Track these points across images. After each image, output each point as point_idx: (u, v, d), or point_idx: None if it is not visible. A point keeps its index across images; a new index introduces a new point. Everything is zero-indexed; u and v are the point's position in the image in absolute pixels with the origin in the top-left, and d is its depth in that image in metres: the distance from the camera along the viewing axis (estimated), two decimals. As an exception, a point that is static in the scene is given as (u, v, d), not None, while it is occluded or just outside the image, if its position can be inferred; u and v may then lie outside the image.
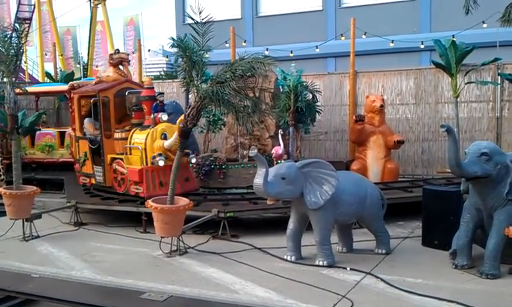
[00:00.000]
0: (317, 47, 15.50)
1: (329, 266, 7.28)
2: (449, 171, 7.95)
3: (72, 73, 19.43)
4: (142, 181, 9.55)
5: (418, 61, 15.61)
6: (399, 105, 13.35)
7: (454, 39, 12.05)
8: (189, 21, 8.02)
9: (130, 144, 10.02)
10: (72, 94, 11.47)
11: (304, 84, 12.05)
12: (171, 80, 17.20)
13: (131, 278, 7.02)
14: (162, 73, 43.09)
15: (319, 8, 18.90)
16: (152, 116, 9.90)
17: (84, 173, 11.10)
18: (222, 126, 12.58)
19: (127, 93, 10.53)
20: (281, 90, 11.87)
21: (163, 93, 10.41)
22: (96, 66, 20.54)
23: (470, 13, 10.02)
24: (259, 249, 8.25)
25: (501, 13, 10.15)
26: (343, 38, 14.75)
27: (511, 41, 10.45)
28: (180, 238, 8.15)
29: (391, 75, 13.22)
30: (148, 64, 34.66)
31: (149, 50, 21.38)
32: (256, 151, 6.87)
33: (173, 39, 9.13)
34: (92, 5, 22.91)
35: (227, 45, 14.82)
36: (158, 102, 10.03)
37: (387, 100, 12.98)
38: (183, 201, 8.08)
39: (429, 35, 15.05)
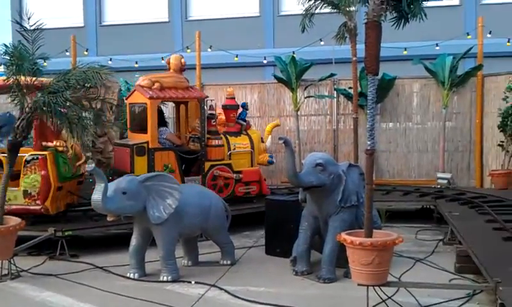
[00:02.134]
0: (162, 58, 15.32)
1: (174, 281, 7.15)
2: None
3: None
4: (257, 181, 10.47)
5: (262, 75, 16.12)
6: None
7: (294, 55, 12.63)
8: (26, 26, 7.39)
9: (229, 150, 10.31)
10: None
11: (149, 95, 11.80)
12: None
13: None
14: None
15: (165, 20, 18.79)
16: (243, 123, 10.75)
17: None
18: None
19: (209, 101, 10.29)
20: (125, 101, 11.51)
21: (246, 103, 11.30)
22: None
23: (307, 31, 10.55)
24: (100, 268, 7.85)
25: (335, 32, 10.81)
26: (188, 51, 14.79)
27: (345, 58, 11.15)
28: (12, 261, 7.48)
29: (236, 88, 13.44)
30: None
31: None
32: (93, 165, 6.54)
33: (5, 46, 8.39)
34: None
35: (67, 53, 14.09)
36: (245, 110, 10.91)
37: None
38: (13, 220, 7.42)
39: (272, 51, 15.64)
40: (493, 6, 16.36)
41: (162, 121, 10.08)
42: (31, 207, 8.55)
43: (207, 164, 9.98)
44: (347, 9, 9.66)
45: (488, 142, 12.29)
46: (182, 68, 10.19)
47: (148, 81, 9.61)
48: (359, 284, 5.59)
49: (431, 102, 12.79)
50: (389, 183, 12.37)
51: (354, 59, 10.38)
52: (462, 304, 6.16)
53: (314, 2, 10.17)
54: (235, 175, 10.16)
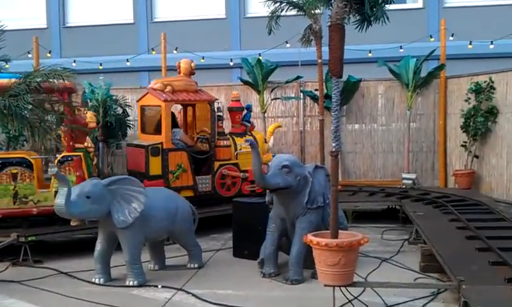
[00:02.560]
0: (127, 60, 15.18)
1: (140, 285, 7.07)
2: None
3: None
4: None
5: (229, 77, 16.06)
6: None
7: (260, 57, 12.65)
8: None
9: (236, 150, 10.59)
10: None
11: (114, 97, 11.67)
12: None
13: None
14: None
15: (130, 21, 18.54)
16: (248, 124, 10.97)
17: (175, 187, 9.64)
18: (24, 142, 11.60)
19: (217, 104, 10.72)
20: (89, 104, 11.37)
21: (251, 105, 11.60)
22: None
23: (273, 33, 10.57)
24: (65, 273, 7.71)
25: (301, 34, 10.86)
26: (154, 53, 14.65)
27: (312, 60, 11.22)
28: (-27, 269, 7.29)
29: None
30: None
31: None
32: (55, 169, 6.43)
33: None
34: None
35: (30, 55, 13.80)
36: (249, 112, 11.11)
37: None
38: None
39: (239, 53, 15.61)
40: (455, 9, 16.67)
41: (174, 123, 10.40)
42: None
43: (216, 164, 10.44)
44: (312, 12, 9.72)
45: (451, 142, 12.54)
46: (191, 72, 10.60)
47: (160, 84, 10.04)
48: (325, 285, 5.61)
49: (395, 103, 12.98)
50: (355, 184, 12.50)
51: (319, 61, 10.47)
52: (427, 303, 6.25)
53: (280, 4, 10.21)
54: (242, 174, 10.53)
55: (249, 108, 11.24)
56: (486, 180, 11.62)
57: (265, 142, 11.19)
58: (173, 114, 10.42)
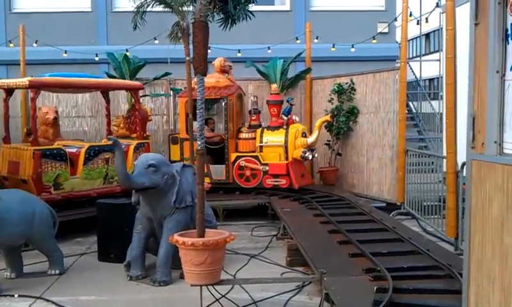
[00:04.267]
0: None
1: (-6, 296, 6.53)
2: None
3: None
4: (287, 174, 10.88)
5: (95, 73, 15.37)
6: (75, 118, 12.98)
7: (128, 53, 12.28)
8: None
9: (261, 142, 11.09)
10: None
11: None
12: None
13: None
14: None
15: (-13, 11, 17.24)
16: (285, 118, 11.10)
17: None
18: None
19: (251, 97, 11.82)
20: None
21: (293, 98, 11.79)
22: None
23: (139, 29, 10.30)
24: None
25: (169, 31, 10.68)
26: (11, 45, 13.68)
27: (181, 58, 11.08)
28: None
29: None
30: None
31: None
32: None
33: None
34: None
35: None
36: (290, 105, 11.26)
37: (63, 113, 12.49)
38: None
39: (106, 48, 15.06)
40: (320, 12, 17.43)
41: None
42: None
43: (233, 155, 11.23)
44: (180, 8, 9.58)
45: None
46: (221, 69, 11.56)
47: (194, 82, 10.41)
48: (192, 285, 5.55)
49: (264, 102, 13.23)
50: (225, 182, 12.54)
51: (187, 59, 10.36)
52: (292, 296, 6.41)
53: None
54: (262, 167, 10.97)
55: (289, 101, 11.44)
56: (349, 177, 12.27)
57: (305, 136, 11.22)
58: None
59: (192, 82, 11.00)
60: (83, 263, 8.12)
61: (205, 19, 4.96)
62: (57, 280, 7.23)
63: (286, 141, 11.06)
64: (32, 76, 9.76)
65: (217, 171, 11.30)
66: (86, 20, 17.04)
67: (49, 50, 14.58)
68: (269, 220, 10.63)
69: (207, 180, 10.64)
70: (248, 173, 11.16)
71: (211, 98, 11.33)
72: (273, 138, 11.17)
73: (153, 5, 9.79)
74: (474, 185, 3.31)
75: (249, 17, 5.51)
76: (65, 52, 13.82)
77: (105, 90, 11.23)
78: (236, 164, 11.21)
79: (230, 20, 5.45)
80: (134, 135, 11.00)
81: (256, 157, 11.15)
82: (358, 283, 5.51)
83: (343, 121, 11.82)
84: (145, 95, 12.50)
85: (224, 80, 11.49)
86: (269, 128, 11.42)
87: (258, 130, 11.35)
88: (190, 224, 7.03)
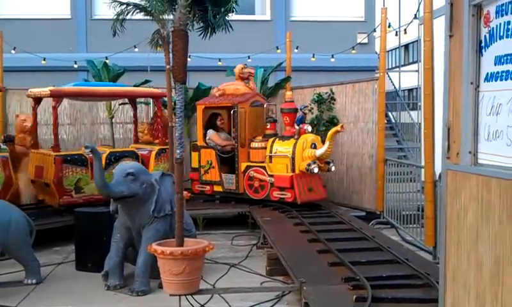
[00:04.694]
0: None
1: (-33, 307, 6.41)
2: None
3: None
4: (291, 187, 10.12)
5: (75, 80, 15.13)
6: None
7: (107, 61, 12.21)
8: None
9: (270, 153, 10.42)
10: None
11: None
12: None
13: None
14: None
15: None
16: (297, 127, 10.43)
17: (206, 181, 11.34)
18: None
19: (265, 105, 11.17)
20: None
21: (307, 106, 11.34)
22: None
23: (118, 36, 10.26)
24: None
25: (149, 39, 10.66)
26: (-11, 52, 13.52)
27: (161, 66, 11.05)
28: None
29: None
30: None
31: None
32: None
33: None
34: None
35: None
36: (303, 113, 10.80)
37: (41, 120, 12.33)
38: None
39: (85, 55, 14.94)
40: (300, 23, 17.53)
41: (211, 124, 11.37)
42: None
43: (243, 165, 10.85)
44: (160, 16, 9.57)
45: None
46: (240, 76, 11.36)
47: (217, 89, 11.51)
48: (171, 295, 5.51)
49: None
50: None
51: (167, 67, 10.33)
52: (272, 306, 6.41)
53: (126, 6, 9.91)
54: (269, 178, 10.48)
55: (302, 109, 11.03)
56: (329, 186, 12.28)
57: (314, 147, 10.31)
58: (214, 116, 11.43)
59: (217, 88, 11.38)
60: (60, 272, 8.02)
61: (184, 28, 4.95)
62: (34, 290, 7.13)
63: (293, 152, 10.23)
64: (54, 85, 10.23)
65: (229, 181, 11.05)
66: (65, 27, 16.90)
67: (27, 57, 14.43)
68: (249, 230, 10.62)
69: (217, 188, 11.19)
70: (256, 183, 10.67)
71: (221, 105, 11.26)
72: (282, 148, 10.43)
73: (133, 12, 9.76)
74: (449, 195, 3.35)
75: (228, 29, 5.52)
76: (44, 59, 13.67)
77: (131, 98, 11.43)
78: (246, 174, 10.77)
79: (209, 29, 5.45)
80: (157, 141, 11.17)
81: (264, 168, 10.60)
82: (337, 292, 5.53)
83: (322, 131, 11.87)
84: (124, 103, 12.42)
85: (243, 88, 11.24)
86: (281, 138, 10.69)
87: (270, 140, 10.70)
88: (169, 233, 6.98)
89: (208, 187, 11.46)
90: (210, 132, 11.23)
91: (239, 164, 10.90)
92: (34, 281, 7.35)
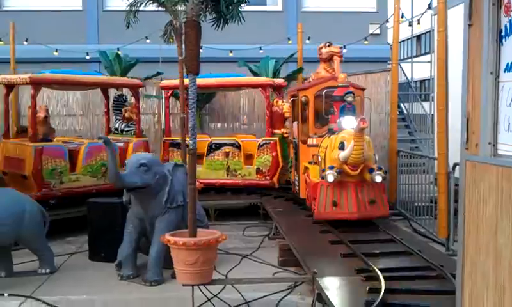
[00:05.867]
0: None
1: (-18, 296, 6.46)
2: None
3: None
4: (315, 198, 8.20)
5: (87, 71, 15.41)
6: (66, 117, 12.90)
7: (119, 52, 12.22)
8: None
9: (318, 152, 8.53)
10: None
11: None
12: None
13: None
14: None
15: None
16: (338, 120, 8.36)
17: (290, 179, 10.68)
18: None
19: (323, 93, 9.02)
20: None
21: (352, 92, 8.53)
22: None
23: (131, 27, 10.25)
24: None
25: (162, 31, 10.63)
26: (1, 43, 13.57)
27: (173, 57, 11.04)
28: None
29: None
30: None
31: None
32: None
33: None
34: None
35: None
36: (346, 103, 8.47)
37: (53, 111, 12.41)
38: None
39: (96, 46, 15.01)
40: (312, 13, 17.45)
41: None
42: (261, 182, 10.87)
43: (303, 164, 9.38)
44: (173, 8, 9.54)
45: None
46: (320, 57, 10.00)
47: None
48: (184, 285, 5.52)
49: (256, 103, 13.21)
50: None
51: (180, 58, 10.31)
52: (285, 296, 6.41)
53: (139, -2, 9.90)
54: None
55: (345, 97, 9.39)
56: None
57: (341, 147, 7.92)
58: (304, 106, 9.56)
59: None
60: (74, 262, 8.07)
61: (197, 18, 4.93)
62: (47, 279, 7.19)
63: (325, 153, 8.26)
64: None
65: (297, 182, 9.74)
66: (77, 19, 16.96)
67: (40, 48, 14.49)
68: (261, 220, 10.61)
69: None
70: (307, 189, 8.93)
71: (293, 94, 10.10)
72: (322, 147, 8.54)
73: (146, 4, 9.74)
74: (468, 186, 3.32)
75: (241, 21, 5.49)
76: (56, 51, 13.72)
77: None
78: (304, 176, 9.16)
79: (222, 20, 5.43)
80: (278, 131, 11.02)
81: (308, 170, 8.95)
82: (350, 283, 5.51)
83: (335, 122, 11.78)
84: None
85: (323, 72, 9.67)
86: (332, 133, 8.48)
87: (324, 136, 8.82)
88: (181, 223, 6.99)
89: (292, 187, 10.42)
90: (295, 124, 9.87)
91: (300, 163, 9.46)
92: (47, 270, 7.41)
